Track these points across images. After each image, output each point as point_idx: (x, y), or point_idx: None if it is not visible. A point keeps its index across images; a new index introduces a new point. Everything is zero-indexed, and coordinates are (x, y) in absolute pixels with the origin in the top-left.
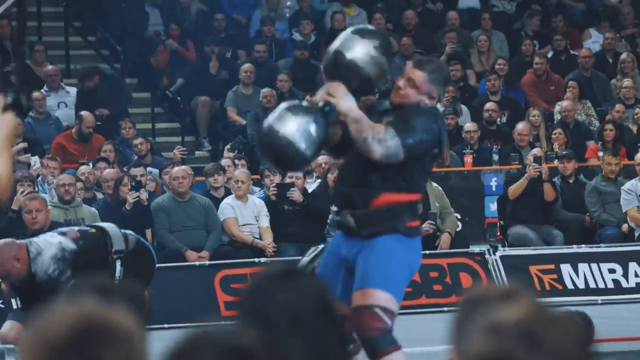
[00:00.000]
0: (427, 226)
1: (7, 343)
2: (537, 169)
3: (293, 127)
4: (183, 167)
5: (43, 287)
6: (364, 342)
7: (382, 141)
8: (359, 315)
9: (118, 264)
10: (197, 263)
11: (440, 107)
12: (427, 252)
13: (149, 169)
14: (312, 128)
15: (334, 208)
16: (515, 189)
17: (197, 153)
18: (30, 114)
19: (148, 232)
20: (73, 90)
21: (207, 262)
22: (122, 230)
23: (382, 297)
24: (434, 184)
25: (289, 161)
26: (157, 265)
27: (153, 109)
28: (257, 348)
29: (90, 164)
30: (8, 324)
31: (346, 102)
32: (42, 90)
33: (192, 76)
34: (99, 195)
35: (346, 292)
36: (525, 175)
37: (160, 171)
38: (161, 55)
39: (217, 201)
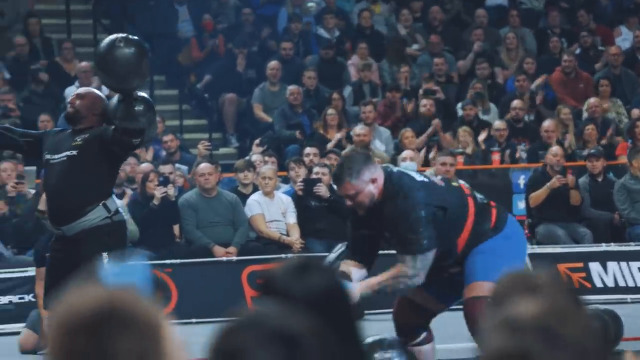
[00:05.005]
0: None
1: (24, 352)
2: (563, 181)
3: None
4: (209, 163)
5: None
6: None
7: (415, 272)
8: (469, 307)
9: None
10: (224, 259)
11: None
12: None
13: (177, 165)
14: None
15: None
16: (536, 197)
17: (225, 150)
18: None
19: (176, 228)
20: (104, 87)
21: (235, 258)
22: None
23: (483, 287)
24: (461, 181)
25: None
26: (186, 260)
27: (181, 106)
28: (305, 334)
29: None
30: (24, 333)
31: (355, 291)
32: (75, 86)
33: (220, 73)
34: (128, 191)
35: (438, 292)
36: (548, 184)
37: (190, 168)
38: (191, 52)
39: (244, 198)
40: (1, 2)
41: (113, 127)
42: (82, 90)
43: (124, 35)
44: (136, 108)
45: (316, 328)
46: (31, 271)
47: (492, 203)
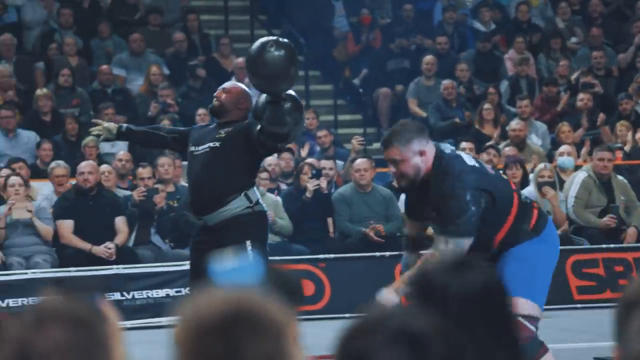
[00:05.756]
0: (608, 220)
1: None
2: None
3: None
4: (365, 159)
5: None
6: None
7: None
8: None
9: None
10: (377, 254)
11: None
12: (612, 245)
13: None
14: None
15: None
16: None
17: (378, 145)
18: None
19: (329, 221)
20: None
21: (388, 253)
22: None
23: (524, 306)
24: (619, 177)
25: None
26: (339, 255)
27: (335, 101)
28: (433, 335)
29: (275, 155)
30: None
31: (389, 300)
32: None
33: (375, 68)
34: (283, 186)
35: None
36: None
37: (344, 163)
38: (347, 47)
39: (399, 193)
40: (161, 0)
41: (259, 127)
42: (228, 84)
43: (274, 38)
44: (284, 105)
45: (442, 327)
46: (188, 265)
47: (535, 204)
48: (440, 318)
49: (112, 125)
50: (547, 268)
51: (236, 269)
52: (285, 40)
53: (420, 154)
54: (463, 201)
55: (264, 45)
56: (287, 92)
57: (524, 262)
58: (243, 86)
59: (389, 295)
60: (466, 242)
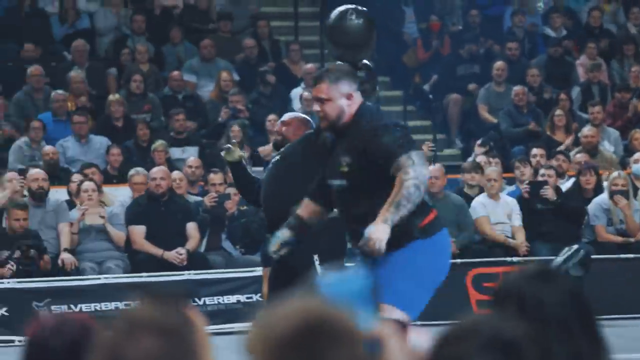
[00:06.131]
0: None
1: None
2: None
3: None
4: (436, 166)
5: None
6: None
7: (415, 167)
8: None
9: None
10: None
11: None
12: None
13: None
14: None
15: (352, 244)
16: None
17: (449, 151)
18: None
19: None
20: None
21: (459, 260)
22: None
23: (393, 314)
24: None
25: None
26: None
27: (405, 107)
28: (524, 341)
29: None
30: None
31: (383, 233)
32: (300, 88)
33: (446, 73)
34: None
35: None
36: None
37: None
38: (417, 53)
39: (470, 199)
40: (233, 6)
41: None
42: (287, 117)
43: (353, 6)
44: (358, 74)
45: (532, 332)
46: (259, 271)
47: (435, 211)
48: (535, 326)
49: (238, 155)
50: (435, 278)
51: (344, 280)
52: (364, 8)
53: (347, 97)
54: (394, 133)
55: (343, 14)
56: (362, 62)
57: (406, 267)
58: (301, 115)
59: (381, 232)
60: (421, 154)
